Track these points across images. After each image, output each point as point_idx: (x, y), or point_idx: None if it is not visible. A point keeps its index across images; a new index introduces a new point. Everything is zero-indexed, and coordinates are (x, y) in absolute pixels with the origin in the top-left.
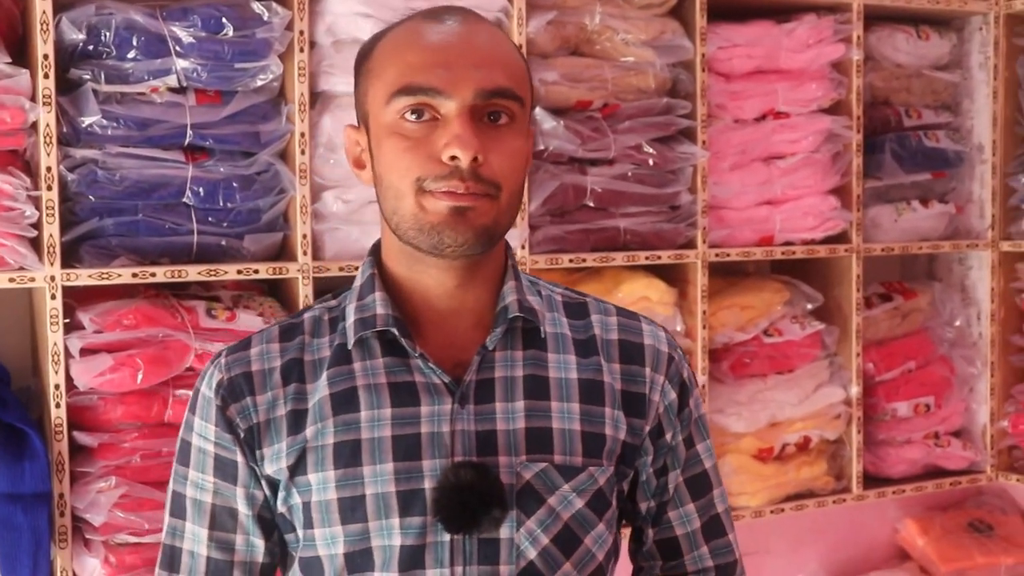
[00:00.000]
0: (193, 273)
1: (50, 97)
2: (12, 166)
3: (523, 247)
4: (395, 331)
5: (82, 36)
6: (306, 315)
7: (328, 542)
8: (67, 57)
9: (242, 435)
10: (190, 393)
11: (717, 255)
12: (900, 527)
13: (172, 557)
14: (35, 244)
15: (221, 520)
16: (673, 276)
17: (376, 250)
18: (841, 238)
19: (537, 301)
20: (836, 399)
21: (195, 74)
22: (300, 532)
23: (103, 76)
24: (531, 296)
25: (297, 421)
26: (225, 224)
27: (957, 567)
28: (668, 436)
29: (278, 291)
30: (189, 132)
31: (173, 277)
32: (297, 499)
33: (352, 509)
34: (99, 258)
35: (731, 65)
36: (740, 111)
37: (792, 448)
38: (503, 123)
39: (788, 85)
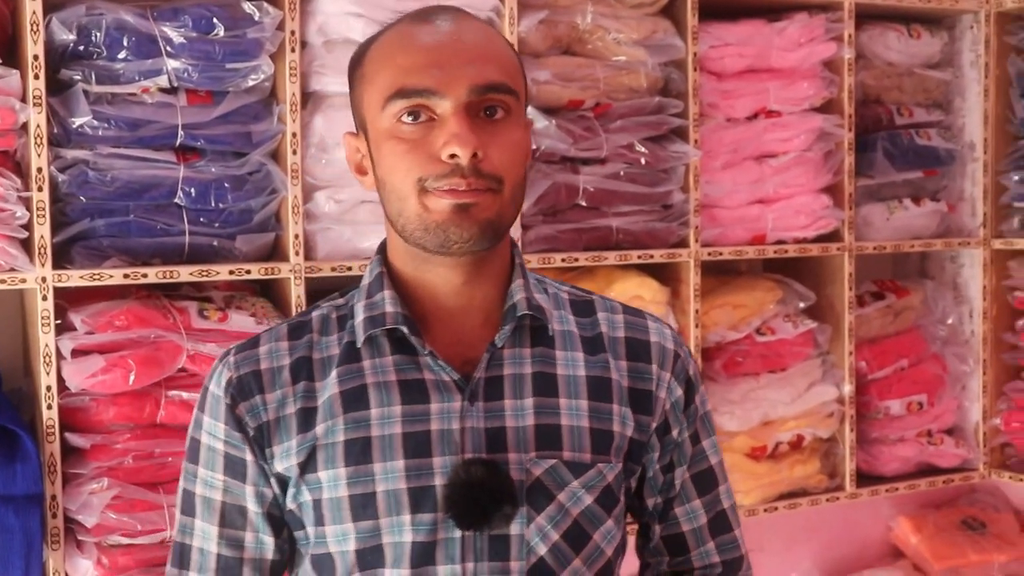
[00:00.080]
0: (185, 274)
1: (40, 98)
2: (2, 167)
3: None
4: (404, 329)
5: (72, 36)
6: (314, 313)
7: (339, 539)
8: (57, 58)
9: (251, 433)
10: (182, 394)
11: (709, 254)
12: (893, 525)
13: (182, 554)
14: (26, 245)
15: (231, 518)
16: (665, 275)
17: (383, 249)
18: (833, 236)
19: (544, 299)
20: (829, 397)
21: (186, 74)
22: (310, 529)
23: (94, 76)
24: (538, 294)
25: (307, 419)
26: (217, 224)
27: (950, 565)
28: (674, 433)
29: (270, 291)
30: (180, 132)
31: (165, 278)
32: (307, 496)
33: (363, 506)
34: (90, 259)
35: (723, 64)
36: (732, 110)
37: (785, 447)
38: (499, 117)
39: (780, 84)
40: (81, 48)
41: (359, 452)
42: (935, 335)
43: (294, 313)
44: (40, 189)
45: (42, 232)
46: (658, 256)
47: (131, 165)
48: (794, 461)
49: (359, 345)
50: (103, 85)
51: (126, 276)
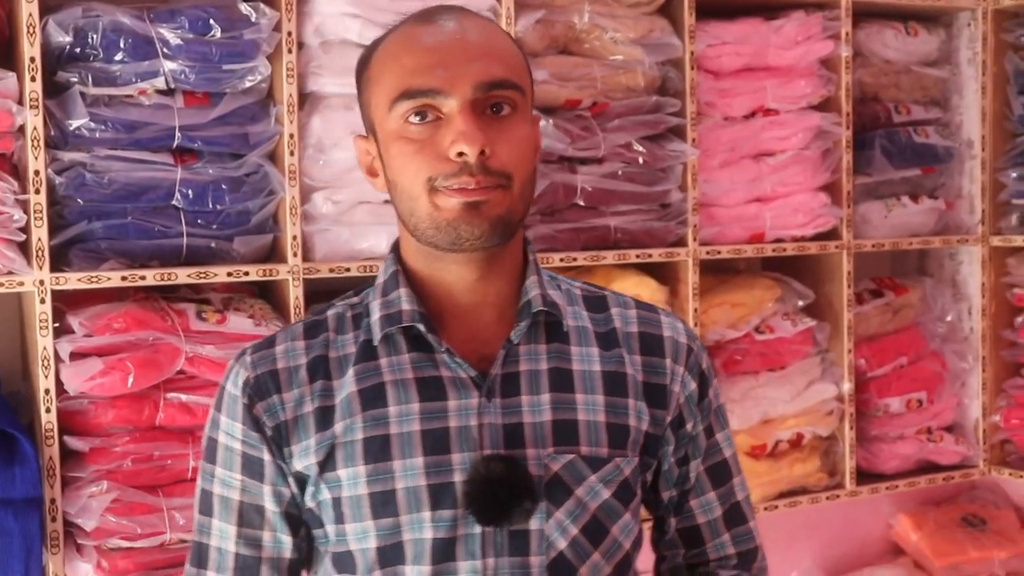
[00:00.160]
0: (183, 276)
1: (37, 100)
2: (0, 170)
3: None
4: (421, 327)
5: (69, 39)
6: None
7: (359, 537)
8: (54, 60)
9: (269, 433)
10: (181, 396)
11: (708, 253)
12: (894, 523)
13: (200, 553)
14: (24, 248)
15: (248, 517)
16: (664, 274)
17: (396, 248)
18: (831, 234)
19: (558, 295)
20: (828, 395)
21: (183, 76)
22: (330, 527)
23: (90, 79)
24: (552, 290)
25: (325, 417)
26: (214, 226)
27: (951, 562)
28: (689, 426)
29: (268, 293)
30: (177, 134)
31: (163, 280)
32: (327, 495)
33: (383, 503)
34: (88, 262)
35: (720, 63)
36: (729, 108)
37: (785, 445)
38: (506, 114)
39: (777, 82)
40: (78, 50)
41: (378, 450)
42: (934, 332)
43: (292, 314)
44: (37, 192)
45: (39, 235)
46: (656, 255)
47: (128, 167)
48: (794, 459)
49: (376, 343)
50: (100, 87)
51: (124, 278)
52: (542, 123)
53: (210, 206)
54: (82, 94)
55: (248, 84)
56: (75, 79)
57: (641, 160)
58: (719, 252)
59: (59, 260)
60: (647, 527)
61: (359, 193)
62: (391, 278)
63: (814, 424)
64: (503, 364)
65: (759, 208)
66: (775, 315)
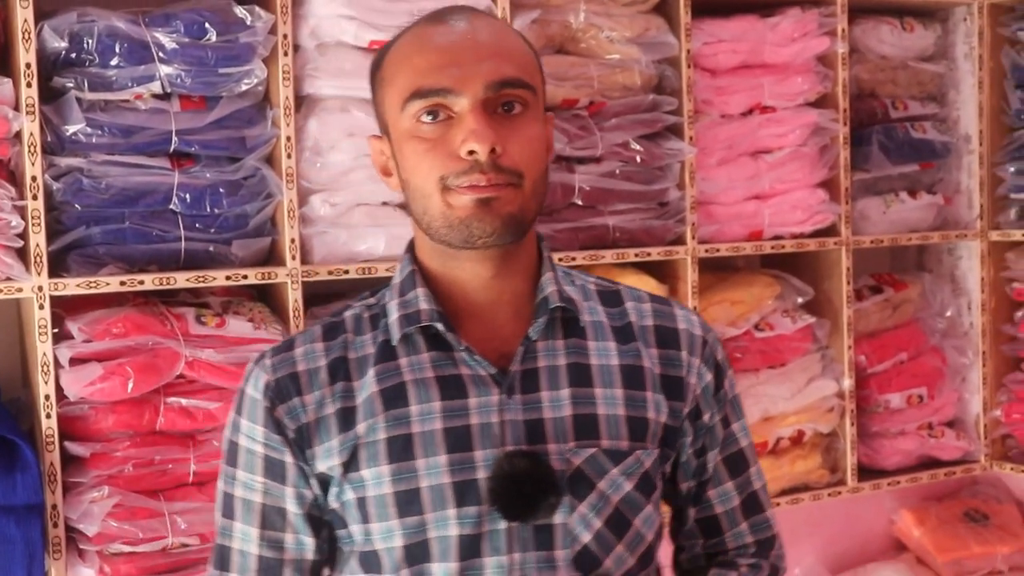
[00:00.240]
0: (181, 280)
1: (33, 106)
2: None
3: None
4: (439, 326)
5: (64, 44)
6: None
7: (385, 536)
8: (50, 65)
9: (291, 435)
10: (181, 401)
11: (706, 251)
12: (896, 518)
13: (223, 556)
14: (22, 254)
15: (271, 519)
16: (663, 272)
17: (412, 248)
18: (830, 231)
19: (574, 291)
20: (829, 392)
21: (179, 80)
22: (355, 528)
23: (86, 84)
24: (567, 286)
25: (347, 418)
26: (213, 230)
27: (954, 557)
28: (706, 417)
29: (267, 296)
30: (174, 138)
31: (161, 284)
32: (351, 495)
33: (408, 502)
34: (87, 267)
35: (716, 60)
36: (726, 106)
37: (786, 442)
38: (517, 112)
39: (774, 79)
40: (73, 55)
41: (401, 449)
42: (934, 328)
43: (291, 317)
44: (35, 198)
45: (38, 241)
46: (655, 254)
47: (125, 172)
48: (795, 456)
49: (395, 343)
50: (96, 92)
51: (123, 283)
52: None
53: (208, 210)
54: (78, 99)
55: (244, 87)
56: (71, 84)
57: (639, 159)
58: (718, 250)
59: (57, 266)
60: (665, 518)
61: (357, 195)
62: (408, 278)
63: (815, 421)
64: (522, 361)
65: (757, 205)
66: (775, 312)
